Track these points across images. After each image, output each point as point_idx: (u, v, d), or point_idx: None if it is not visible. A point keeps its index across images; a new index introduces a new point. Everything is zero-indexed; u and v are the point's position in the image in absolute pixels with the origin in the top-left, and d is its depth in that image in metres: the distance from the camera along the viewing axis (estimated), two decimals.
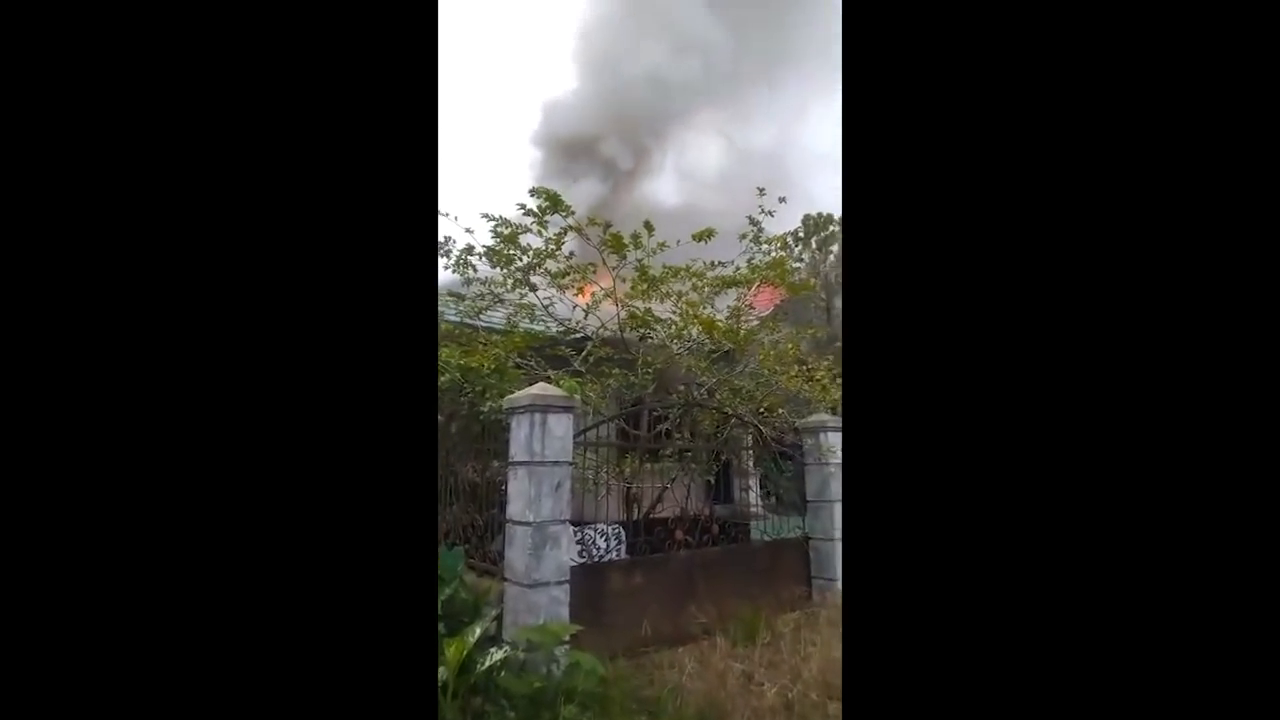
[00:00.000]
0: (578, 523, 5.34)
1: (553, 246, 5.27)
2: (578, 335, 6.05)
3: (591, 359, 5.77)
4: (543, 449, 3.37)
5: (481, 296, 5.82)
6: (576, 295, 6.09)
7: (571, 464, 3.51)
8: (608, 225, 5.53)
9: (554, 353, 5.79)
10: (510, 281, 5.88)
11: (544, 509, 3.32)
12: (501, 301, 5.90)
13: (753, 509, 8.08)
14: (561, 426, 3.46)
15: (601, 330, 6.09)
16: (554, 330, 6.11)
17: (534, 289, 6.00)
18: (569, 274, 5.85)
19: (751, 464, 8.53)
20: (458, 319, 5.88)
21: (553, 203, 5.08)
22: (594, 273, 5.94)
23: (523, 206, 5.54)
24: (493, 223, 5.53)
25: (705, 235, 5.52)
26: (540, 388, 3.53)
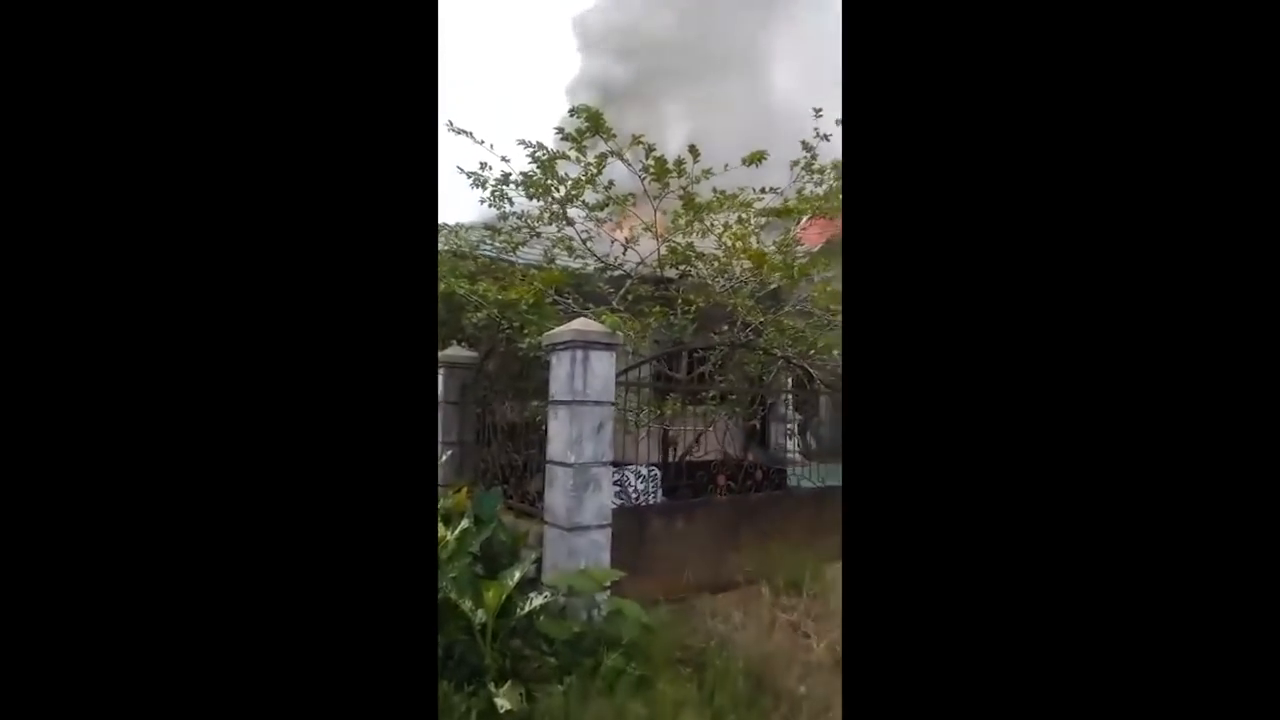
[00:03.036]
0: (614, 464, 5.24)
1: (593, 171, 4.90)
2: (617, 272, 5.78)
3: (631, 296, 5.51)
4: (584, 388, 3.16)
5: (518, 230, 5.56)
6: (615, 229, 5.80)
7: (614, 404, 3.30)
8: (650, 148, 5.13)
9: (591, 289, 5.54)
10: (546, 215, 5.61)
11: (585, 451, 3.15)
12: (538, 235, 5.63)
13: (790, 455, 7.88)
14: (604, 365, 3.24)
15: (641, 266, 5.81)
16: (591, 266, 5.84)
17: (570, 223, 5.71)
18: (607, 205, 5.53)
19: (790, 408, 8.28)
20: (494, 254, 5.66)
21: (594, 123, 4.69)
22: (633, 204, 5.61)
23: (560, 130, 5.17)
24: (529, 149, 5.18)
25: (757, 158, 5.06)
26: (582, 323, 3.29)
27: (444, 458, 3.76)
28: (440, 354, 4.88)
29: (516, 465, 3.99)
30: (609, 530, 3.22)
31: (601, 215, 5.61)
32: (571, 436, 3.12)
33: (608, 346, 3.26)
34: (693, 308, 5.36)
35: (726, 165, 5.27)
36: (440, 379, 4.76)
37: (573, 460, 3.11)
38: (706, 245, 5.54)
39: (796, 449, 8.24)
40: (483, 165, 4.98)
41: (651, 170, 5.12)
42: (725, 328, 5.52)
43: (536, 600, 2.77)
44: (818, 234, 6.94)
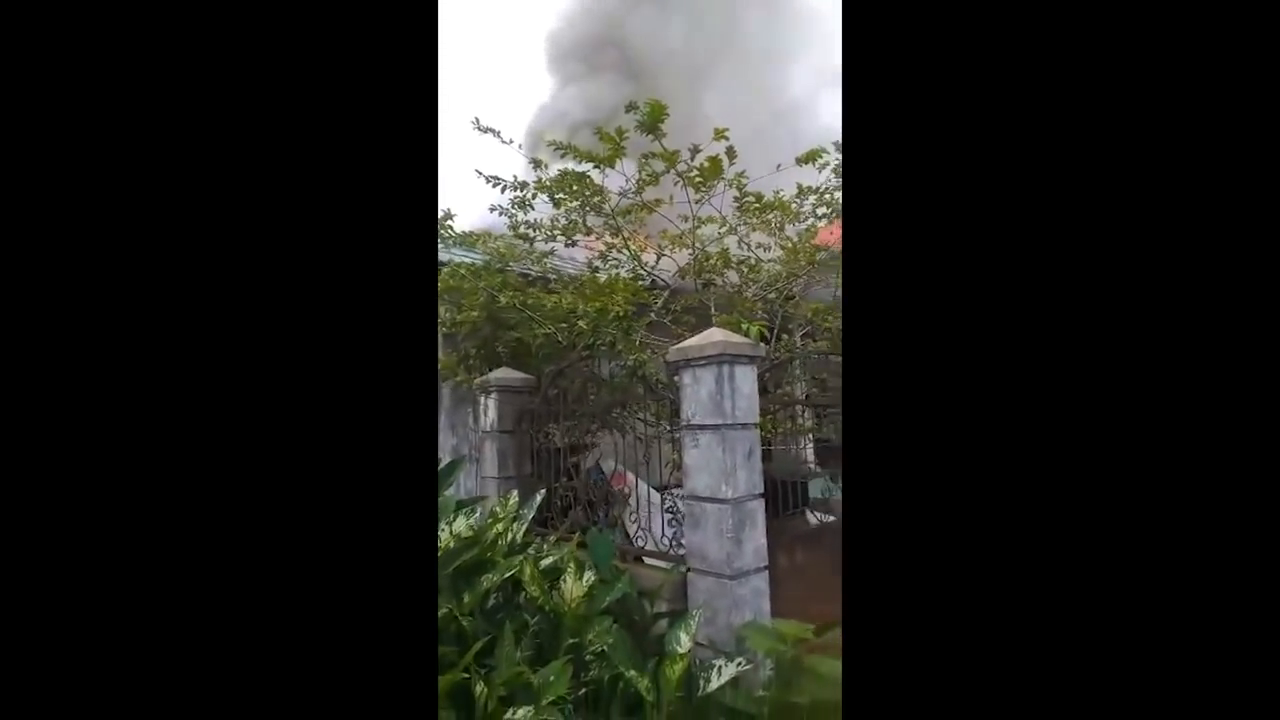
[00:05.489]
0: (662, 488, 4.79)
1: (653, 171, 4.49)
2: (659, 282, 5.40)
3: (677, 308, 5.12)
4: (733, 408, 2.72)
5: (552, 238, 5.08)
6: (630, 239, 5.45)
7: (759, 427, 2.88)
8: (696, 149, 4.76)
9: (639, 300, 5.12)
10: (564, 223, 5.19)
11: (740, 483, 2.70)
12: (575, 244, 5.17)
13: (806, 464, 7.59)
14: (748, 382, 2.81)
15: (678, 276, 5.46)
16: (627, 276, 5.43)
17: (589, 232, 5.32)
18: (630, 212, 5.15)
19: (804, 414, 8.02)
20: (523, 267, 5.15)
21: (654, 117, 4.26)
22: (650, 211, 5.26)
23: (599, 130, 4.73)
24: (562, 152, 4.71)
25: (813, 156, 4.78)
26: (720, 333, 2.85)
27: (536, 500, 3.20)
28: (490, 376, 4.30)
29: (610, 500, 3.48)
30: (767, 574, 2.78)
31: (621, 222, 5.25)
32: (725, 466, 2.67)
33: (751, 360, 2.83)
34: (752, 315, 5.02)
35: (780, 165, 4.99)
36: (492, 405, 4.18)
37: (728, 495, 2.66)
38: (734, 249, 5.28)
39: (812, 456, 7.97)
40: (537, 164, 4.44)
41: (698, 172, 4.76)
42: (783, 335, 5.20)
43: (728, 670, 2.29)
44: (831, 236, 6.75)
